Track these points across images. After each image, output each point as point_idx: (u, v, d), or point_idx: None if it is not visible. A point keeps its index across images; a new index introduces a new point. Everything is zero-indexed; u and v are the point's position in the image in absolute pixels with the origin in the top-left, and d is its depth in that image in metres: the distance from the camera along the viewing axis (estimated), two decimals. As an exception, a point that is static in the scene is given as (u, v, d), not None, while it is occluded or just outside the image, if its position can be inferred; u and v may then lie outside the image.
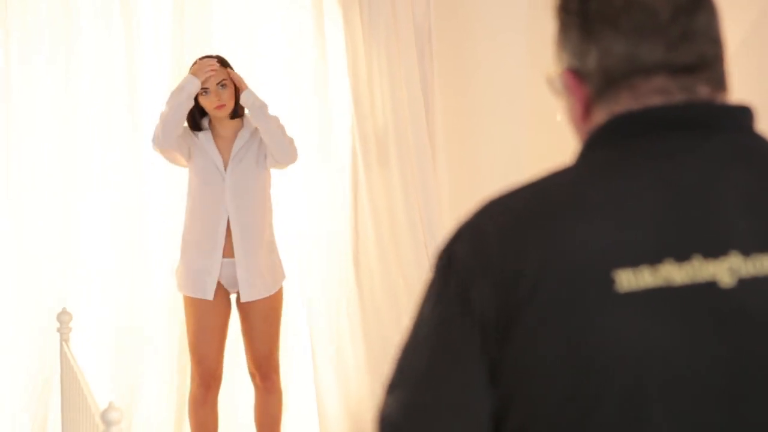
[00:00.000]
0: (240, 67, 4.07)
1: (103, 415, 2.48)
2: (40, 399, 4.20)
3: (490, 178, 4.91)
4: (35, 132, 4.25)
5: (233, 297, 4.05)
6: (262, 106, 3.90)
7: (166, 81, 4.35)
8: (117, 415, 2.47)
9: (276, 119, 3.91)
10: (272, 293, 4.00)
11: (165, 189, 4.36)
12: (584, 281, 1.03)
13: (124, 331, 4.29)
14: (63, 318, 3.75)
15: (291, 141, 3.95)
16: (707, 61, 1.12)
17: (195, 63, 3.94)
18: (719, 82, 1.13)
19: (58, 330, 3.76)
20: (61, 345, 3.71)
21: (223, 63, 3.97)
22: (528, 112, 4.96)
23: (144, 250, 4.33)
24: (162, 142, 3.87)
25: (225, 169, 3.93)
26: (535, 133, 4.94)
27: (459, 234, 1.12)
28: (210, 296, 3.91)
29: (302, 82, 4.51)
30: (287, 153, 3.92)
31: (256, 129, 3.95)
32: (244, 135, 3.96)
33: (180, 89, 3.87)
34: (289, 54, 4.51)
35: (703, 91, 1.12)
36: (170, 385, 4.34)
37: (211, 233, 3.92)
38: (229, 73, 3.94)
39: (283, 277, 4.08)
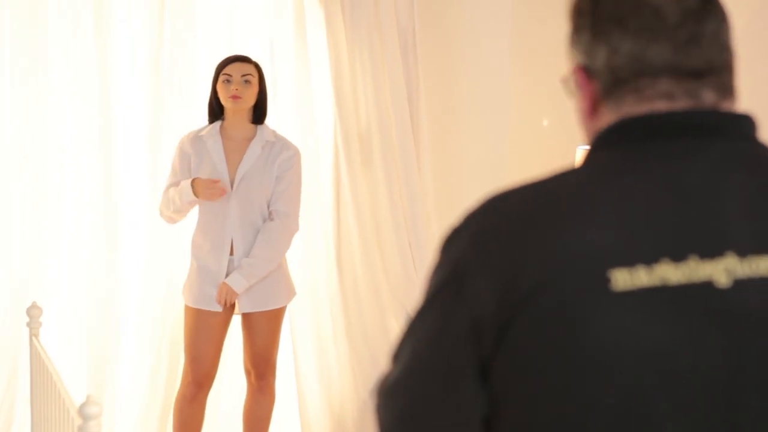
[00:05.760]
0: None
1: (81, 410, 2.39)
2: (5, 398, 4.08)
3: (475, 177, 4.90)
4: (5, 128, 4.12)
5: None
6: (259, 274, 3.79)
7: (141, 75, 4.27)
8: (96, 409, 2.38)
9: (272, 265, 3.80)
10: (273, 308, 3.88)
11: (137, 184, 4.27)
12: (581, 281, 1.04)
13: (95, 327, 4.18)
14: (33, 312, 3.64)
15: (287, 244, 3.85)
16: (715, 67, 1.14)
17: (200, 183, 3.74)
18: (726, 89, 1.15)
19: (28, 324, 3.65)
20: (31, 339, 3.61)
21: (257, 66, 3.88)
22: (511, 112, 4.97)
23: (115, 244, 4.23)
24: (169, 223, 3.94)
25: (231, 187, 3.80)
26: (519, 133, 4.95)
27: (459, 229, 1.13)
28: (214, 308, 3.81)
29: (285, 81, 4.43)
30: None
31: (268, 141, 3.84)
32: (255, 149, 3.81)
33: (180, 195, 3.75)
34: (271, 53, 4.42)
35: (708, 97, 1.13)
36: (148, 381, 4.24)
37: (216, 245, 3.81)
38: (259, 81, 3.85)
39: (291, 294, 3.97)
